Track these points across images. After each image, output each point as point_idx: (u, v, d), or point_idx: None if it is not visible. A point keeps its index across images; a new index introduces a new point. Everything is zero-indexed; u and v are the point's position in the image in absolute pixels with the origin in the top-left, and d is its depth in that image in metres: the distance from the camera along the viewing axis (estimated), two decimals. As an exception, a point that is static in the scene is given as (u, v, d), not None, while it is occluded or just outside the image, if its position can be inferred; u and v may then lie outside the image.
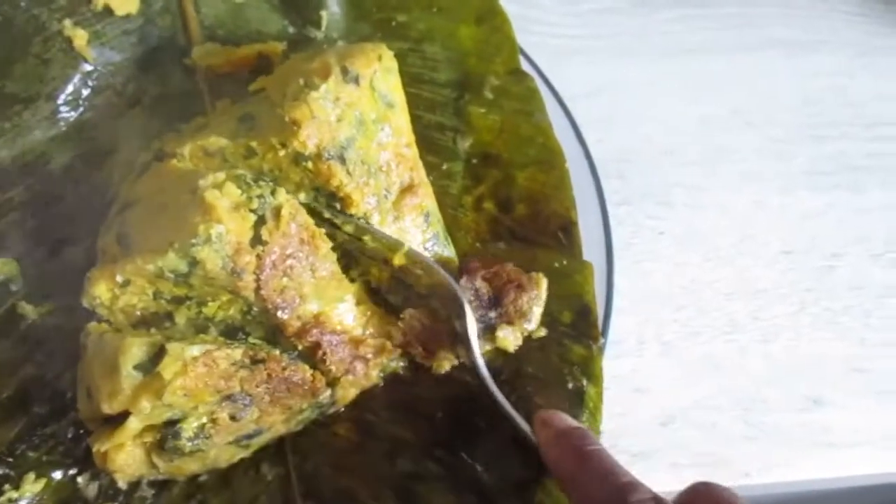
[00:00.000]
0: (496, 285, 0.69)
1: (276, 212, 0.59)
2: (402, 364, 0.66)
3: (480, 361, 0.64)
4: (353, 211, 0.66)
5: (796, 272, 0.87)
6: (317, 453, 0.64)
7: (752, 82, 1.01)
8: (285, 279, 0.59)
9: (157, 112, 0.76)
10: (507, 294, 0.68)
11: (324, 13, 0.82)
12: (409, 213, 0.69)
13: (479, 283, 0.69)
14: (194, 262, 0.55)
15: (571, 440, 0.58)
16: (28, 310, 0.65)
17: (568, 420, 0.61)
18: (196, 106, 0.77)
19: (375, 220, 0.67)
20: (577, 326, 0.69)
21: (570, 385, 0.67)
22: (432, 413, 0.66)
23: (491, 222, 0.76)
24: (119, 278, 0.56)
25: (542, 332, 0.69)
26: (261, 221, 0.58)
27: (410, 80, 0.80)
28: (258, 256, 0.57)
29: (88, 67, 0.75)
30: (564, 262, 0.72)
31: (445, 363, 0.66)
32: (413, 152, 0.72)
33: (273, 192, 0.60)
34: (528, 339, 0.68)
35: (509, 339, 0.67)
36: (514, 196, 0.76)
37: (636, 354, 0.80)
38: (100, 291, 0.57)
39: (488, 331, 0.67)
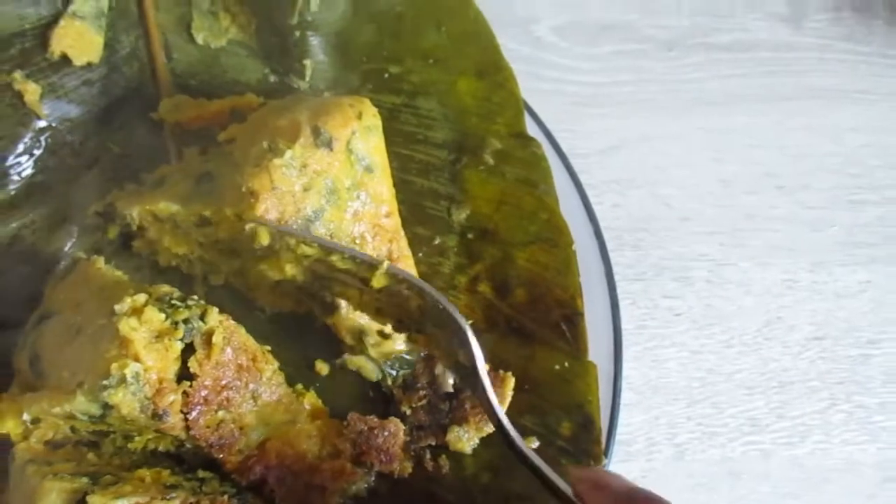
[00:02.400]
0: (459, 378, 0.62)
1: (207, 338, 0.52)
2: (364, 486, 0.59)
3: (493, 397, 0.55)
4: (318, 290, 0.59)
5: (827, 361, 0.78)
6: None
7: (784, 138, 0.91)
8: (221, 412, 0.52)
9: (118, 173, 0.68)
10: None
11: (308, 62, 0.74)
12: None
13: (438, 369, 0.63)
14: (107, 406, 0.48)
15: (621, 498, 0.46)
16: (-45, 409, 0.58)
17: (624, 480, 0.48)
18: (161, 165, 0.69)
19: (344, 301, 0.60)
20: (578, 441, 0.62)
21: (565, 509, 0.59)
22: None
23: (486, 307, 0.68)
24: (26, 416, 0.50)
25: (534, 444, 0.61)
26: (189, 350, 0.51)
27: (402, 139, 0.72)
28: (185, 393, 0.50)
29: (42, 124, 0.67)
30: (566, 365, 0.64)
31: (407, 466, 0.60)
32: (394, 222, 0.64)
33: (203, 315, 0.52)
34: (514, 452, 0.60)
35: (463, 439, 0.61)
36: (513, 279, 0.68)
37: (646, 457, 0.72)
38: (8, 428, 0.50)
39: (438, 428, 0.61)
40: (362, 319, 0.61)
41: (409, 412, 0.62)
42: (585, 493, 0.49)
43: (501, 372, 0.63)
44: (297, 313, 0.64)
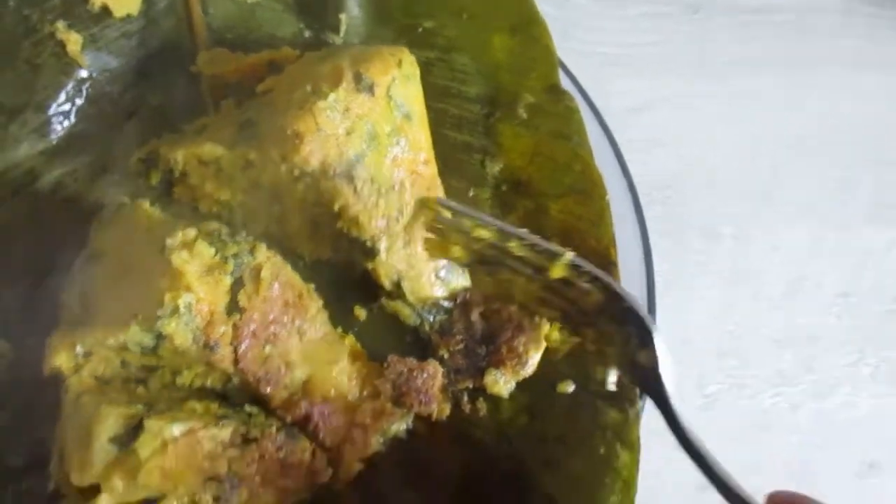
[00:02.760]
0: (493, 323, 0.63)
1: (256, 273, 0.53)
2: (403, 427, 0.59)
3: (675, 406, 0.53)
4: (358, 234, 0.60)
5: (855, 318, 0.79)
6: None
7: (811, 101, 0.92)
8: (268, 347, 0.53)
9: (157, 124, 0.69)
10: (503, 333, 0.62)
11: (343, 16, 0.74)
12: (422, 237, 0.63)
13: (475, 316, 0.63)
14: (161, 336, 0.49)
15: None
16: (5, 348, 0.59)
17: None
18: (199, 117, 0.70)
19: (383, 245, 0.61)
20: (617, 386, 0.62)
21: (602, 450, 0.60)
22: (446, 478, 0.59)
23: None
24: (79, 349, 0.51)
25: (570, 388, 0.62)
26: (238, 285, 0.52)
27: (436, 93, 0.73)
28: (235, 326, 0.51)
29: (83, 74, 0.68)
30: (601, 311, 0.64)
31: (445, 408, 0.60)
32: (431, 170, 0.65)
33: (252, 251, 0.53)
34: (552, 395, 0.61)
35: (500, 382, 0.61)
36: (548, 229, 0.68)
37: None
38: (61, 361, 0.51)
39: (476, 371, 0.61)
40: (401, 264, 0.62)
41: (446, 356, 0.63)
42: None
43: (537, 318, 0.64)
44: (337, 260, 0.65)
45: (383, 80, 0.61)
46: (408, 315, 0.64)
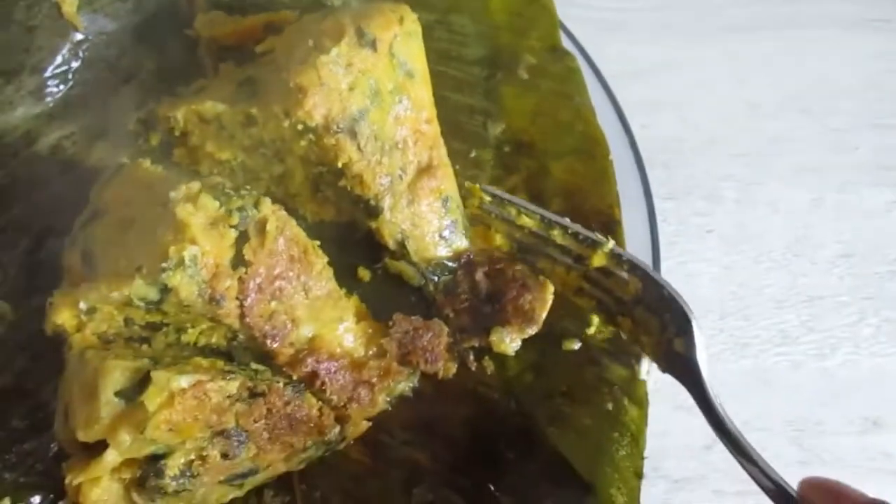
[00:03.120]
0: (498, 282, 0.63)
1: (261, 226, 0.52)
2: (409, 386, 0.59)
3: (711, 393, 0.54)
4: (362, 192, 0.60)
5: (856, 278, 0.79)
6: (326, 480, 0.57)
7: (808, 64, 0.92)
8: (274, 303, 0.52)
9: (154, 88, 0.68)
10: (509, 291, 0.62)
11: (341, -21, 0.74)
12: (426, 196, 0.62)
13: (479, 275, 0.63)
14: (165, 290, 0.48)
15: None
16: (6, 310, 0.59)
17: (863, 494, 0.46)
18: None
19: (387, 203, 0.61)
20: (618, 342, 0.62)
21: (610, 406, 0.60)
22: (452, 434, 0.59)
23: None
24: (83, 305, 0.49)
25: (575, 345, 0.62)
26: (243, 238, 0.51)
27: (436, 56, 0.72)
28: (240, 280, 0.50)
29: (79, 37, 0.67)
30: (605, 269, 0.64)
31: (451, 367, 0.60)
32: (434, 129, 0.64)
33: (256, 204, 0.52)
34: (558, 352, 0.61)
35: (506, 341, 0.61)
36: (550, 189, 0.68)
37: (679, 367, 0.72)
38: (63, 319, 0.50)
39: (481, 330, 0.61)
40: (405, 223, 0.62)
41: (451, 315, 0.63)
42: (817, 499, 0.47)
43: (541, 278, 0.63)
44: (339, 221, 0.64)
45: (386, 35, 0.60)
46: (412, 275, 0.64)
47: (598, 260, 0.58)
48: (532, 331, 0.62)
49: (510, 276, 0.63)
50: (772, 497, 0.49)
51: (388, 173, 0.60)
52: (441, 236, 0.63)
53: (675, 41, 0.89)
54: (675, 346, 0.57)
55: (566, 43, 0.74)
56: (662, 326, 0.58)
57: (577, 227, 0.58)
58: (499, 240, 0.62)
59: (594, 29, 0.87)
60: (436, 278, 0.64)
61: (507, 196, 0.61)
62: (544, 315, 0.62)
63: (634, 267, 0.58)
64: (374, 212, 0.61)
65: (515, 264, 0.63)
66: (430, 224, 0.63)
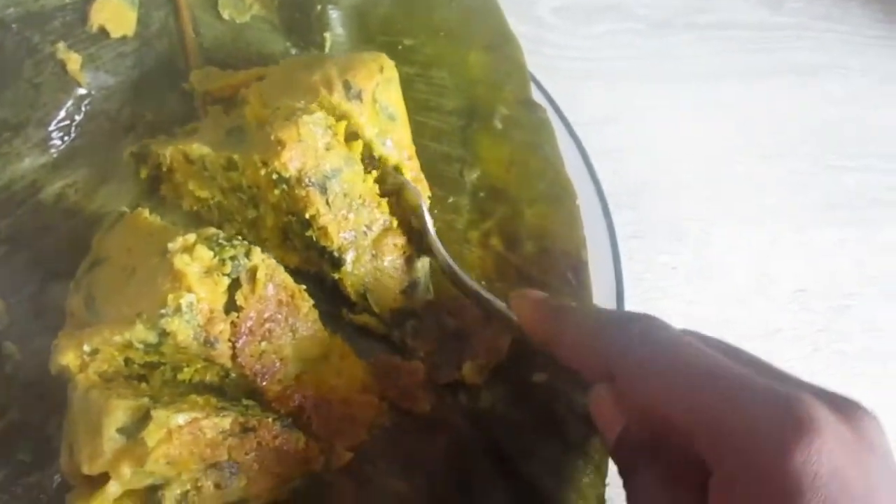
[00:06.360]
0: (462, 318, 0.67)
1: (252, 274, 0.56)
2: (389, 419, 0.63)
3: (438, 246, 0.66)
4: (326, 243, 0.64)
5: (810, 312, 0.84)
6: (312, 510, 0.61)
7: (767, 110, 0.98)
8: (263, 343, 0.56)
9: (152, 138, 0.72)
10: (474, 326, 0.66)
11: (328, 35, 0.79)
12: (389, 253, 0.67)
13: (443, 316, 0.67)
14: (164, 333, 0.53)
15: (548, 303, 0.58)
16: (13, 350, 0.63)
17: (543, 294, 0.61)
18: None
19: (350, 257, 0.65)
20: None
21: (575, 436, 0.64)
22: (430, 466, 0.63)
23: (497, 260, 0.73)
24: (86, 347, 0.54)
25: (542, 378, 0.66)
26: (235, 285, 0.55)
27: (417, 107, 0.77)
28: (233, 323, 0.54)
29: (82, 92, 0.72)
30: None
31: (425, 403, 0.64)
32: (415, 164, 0.70)
33: (248, 254, 0.57)
34: (527, 385, 0.65)
35: (476, 373, 0.65)
36: (523, 233, 0.73)
37: (644, 399, 0.77)
38: (67, 360, 0.54)
39: (454, 366, 0.66)
40: (367, 278, 0.66)
41: (423, 356, 0.67)
42: (513, 305, 0.61)
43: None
44: (306, 270, 0.68)
45: (369, 85, 0.65)
46: (376, 325, 0.68)
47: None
48: (499, 358, 0.66)
49: (472, 311, 0.67)
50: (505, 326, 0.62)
51: (352, 228, 0.65)
52: (403, 292, 0.68)
53: (642, 89, 0.95)
54: (412, 223, 0.67)
55: (538, 95, 0.79)
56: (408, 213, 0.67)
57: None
58: None
59: (565, 77, 0.92)
60: (401, 324, 0.68)
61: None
62: (508, 341, 0.66)
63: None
64: (337, 263, 0.65)
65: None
66: (392, 280, 0.67)
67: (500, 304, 0.62)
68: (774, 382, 0.43)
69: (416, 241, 0.68)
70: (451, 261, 0.65)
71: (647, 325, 0.48)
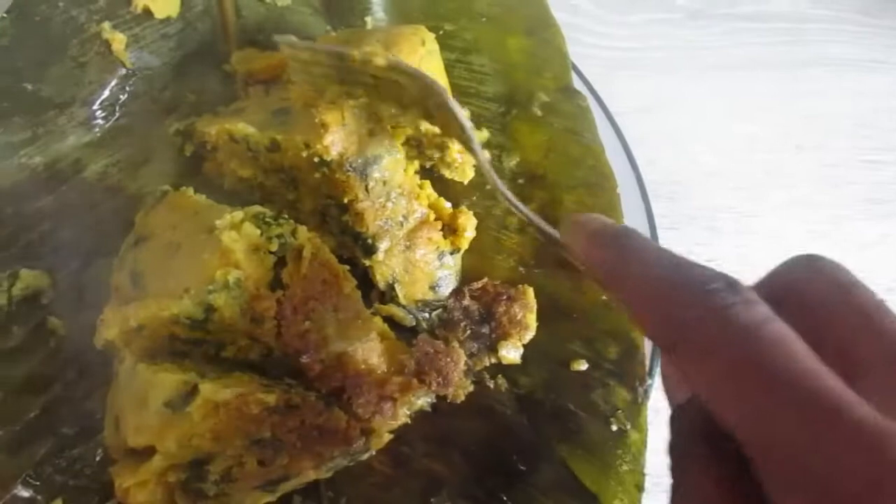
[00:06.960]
0: (484, 300, 0.67)
1: (297, 253, 0.56)
2: (428, 401, 0.64)
3: (480, 151, 0.56)
4: (361, 229, 0.64)
5: (849, 306, 0.83)
6: (351, 487, 0.62)
7: (802, 102, 0.97)
8: (307, 322, 0.56)
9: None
10: (498, 307, 0.66)
11: (369, 19, 0.79)
12: (423, 246, 0.67)
13: (467, 301, 0.68)
14: (211, 309, 0.53)
15: (609, 232, 0.46)
16: (58, 325, 0.63)
17: (602, 218, 0.49)
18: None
19: (383, 245, 0.65)
20: (623, 364, 0.66)
21: (614, 427, 0.64)
22: (468, 447, 0.63)
23: (536, 246, 0.73)
24: (133, 323, 0.54)
25: (583, 367, 0.66)
26: (281, 263, 0.56)
27: (457, 92, 0.77)
28: (278, 301, 0.55)
29: (126, 72, 0.72)
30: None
31: (461, 392, 0.63)
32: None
33: (294, 232, 0.57)
34: (566, 373, 0.66)
35: (511, 354, 0.66)
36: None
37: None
38: (113, 335, 0.54)
39: (488, 350, 0.66)
40: (398, 268, 0.66)
41: (457, 345, 0.66)
42: (565, 232, 0.51)
43: (520, 286, 0.68)
44: (338, 255, 0.68)
45: (413, 59, 0.65)
46: (402, 317, 0.68)
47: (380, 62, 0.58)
48: (529, 336, 0.66)
49: (493, 292, 0.67)
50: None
51: (388, 217, 0.65)
52: (431, 287, 0.68)
53: (677, 79, 0.94)
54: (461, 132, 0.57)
55: (577, 81, 0.79)
56: (445, 120, 0.58)
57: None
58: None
59: (601, 66, 0.92)
60: (427, 315, 0.68)
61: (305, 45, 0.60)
62: (535, 318, 0.67)
63: (409, 72, 0.57)
64: (370, 250, 0.65)
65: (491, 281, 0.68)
66: (423, 273, 0.67)
67: (551, 231, 0.54)
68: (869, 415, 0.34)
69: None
70: (502, 185, 0.56)
71: (726, 300, 0.37)
